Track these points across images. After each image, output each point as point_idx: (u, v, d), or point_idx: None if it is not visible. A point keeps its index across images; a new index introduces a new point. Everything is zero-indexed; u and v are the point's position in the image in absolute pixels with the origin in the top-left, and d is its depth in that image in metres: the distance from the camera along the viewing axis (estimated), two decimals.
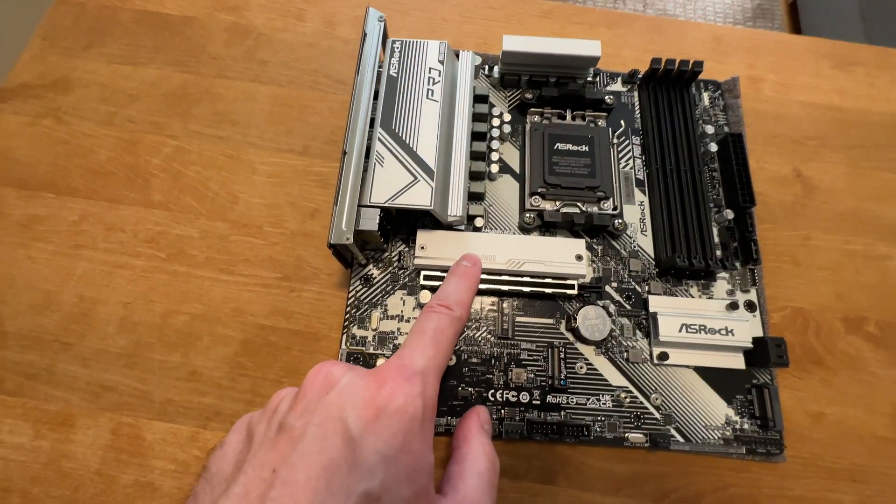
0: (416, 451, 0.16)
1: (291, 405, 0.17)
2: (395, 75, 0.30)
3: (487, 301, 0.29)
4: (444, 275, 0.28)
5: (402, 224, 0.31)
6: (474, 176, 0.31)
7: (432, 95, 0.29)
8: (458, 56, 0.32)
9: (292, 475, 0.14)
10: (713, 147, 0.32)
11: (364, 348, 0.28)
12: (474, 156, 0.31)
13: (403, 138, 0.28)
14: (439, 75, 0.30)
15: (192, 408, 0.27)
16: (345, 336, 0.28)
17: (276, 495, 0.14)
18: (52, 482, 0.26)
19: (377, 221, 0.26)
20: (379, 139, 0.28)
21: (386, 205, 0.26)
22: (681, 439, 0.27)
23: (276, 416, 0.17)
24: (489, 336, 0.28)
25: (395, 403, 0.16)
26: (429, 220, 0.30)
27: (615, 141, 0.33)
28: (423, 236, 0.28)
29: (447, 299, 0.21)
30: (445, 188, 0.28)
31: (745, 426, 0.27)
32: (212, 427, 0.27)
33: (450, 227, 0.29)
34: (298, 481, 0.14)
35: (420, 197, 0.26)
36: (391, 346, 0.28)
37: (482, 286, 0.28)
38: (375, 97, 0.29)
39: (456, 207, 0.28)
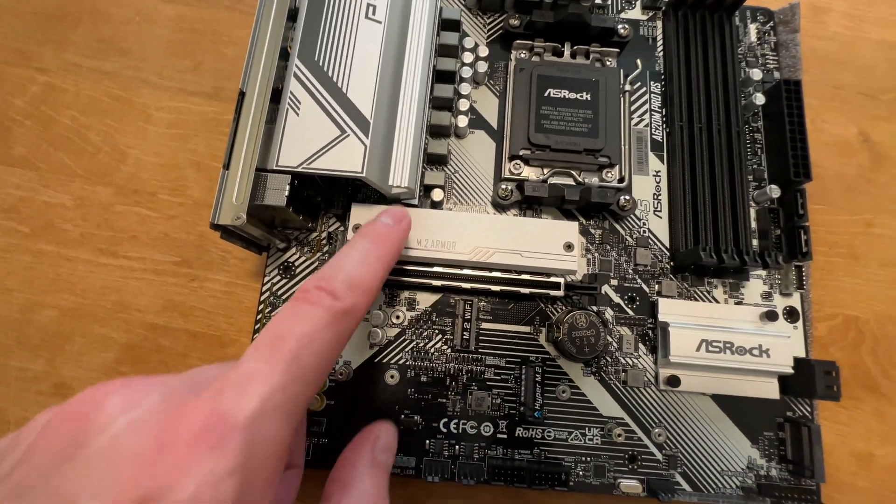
0: None
1: (10, 469, 0.10)
2: None
3: (444, 301, 0.22)
4: None
5: (336, 195, 0.23)
6: (435, 131, 0.23)
7: (373, 13, 0.21)
8: None
9: None
10: (759, 99, 0.24)
11: None
12: (436, 104, 0.23)
13: (330, 75, 0.20)
14: None
15: None
16: None
17: None
18: None
19: (286, 193, 0.19)
20: (295, 76, 0.20)
21: (300, 170, 0.19)
22: (688, 488, 0.21)
23: None
24: (444, 347, 0.22)
25: (174, 496, 0.09)
26: (370, 190, 0.22)
27: (628, 88, 0.25)
28: (358, 213, 0.21)
29: (332, 279, 0.14)
30: (388, 148, 0.20)
31: (773, 472, 0.21)
32: None
33: (396, 200, 0.21)
34: None
35: (349, 159, 0.19)
36: None
37: (437, 282, 0.21)
38: (293, 18, 0.21)
39: (401, 175, 0.20)
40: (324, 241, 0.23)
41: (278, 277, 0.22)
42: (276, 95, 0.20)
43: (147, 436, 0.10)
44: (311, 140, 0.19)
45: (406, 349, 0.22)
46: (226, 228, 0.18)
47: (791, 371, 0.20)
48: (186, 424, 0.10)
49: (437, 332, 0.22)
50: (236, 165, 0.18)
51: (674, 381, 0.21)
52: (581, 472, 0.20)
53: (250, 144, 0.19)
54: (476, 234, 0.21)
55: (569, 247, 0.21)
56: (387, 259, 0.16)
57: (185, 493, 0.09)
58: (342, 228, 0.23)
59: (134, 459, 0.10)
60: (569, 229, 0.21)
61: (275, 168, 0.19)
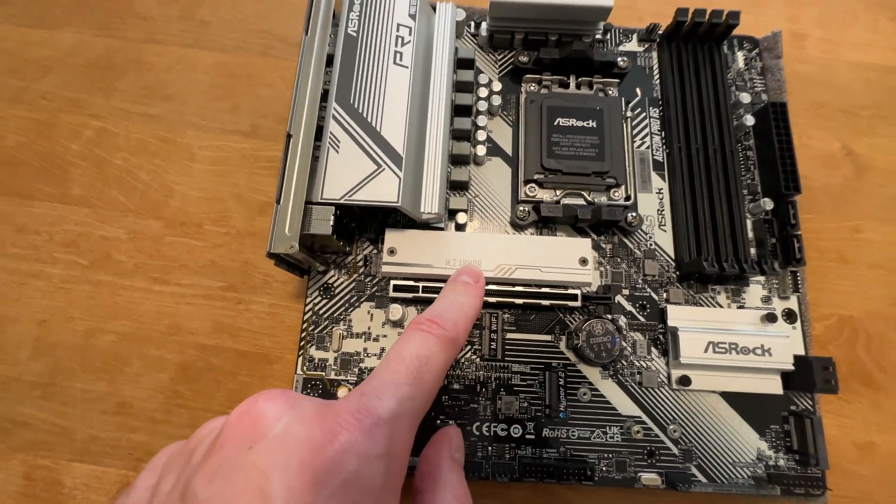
0: None
1: (204, 457, 0.13)
2: (354, 34, 0.24)
3: None
4: (417, 284, 0.23)
5: (369, 221, 0.25)
6: (456, 160, 0.26)
7: (401, 59, 0.23)
8: (434, 9, 0.26)
9: None
10: (749, 120, 0.26)
11: (324, 373, 0.23)
12: (456, 135, 0.26)
13: (364, 116, 0.22)
14: (410, 34, 0.24)
15: (119, 446, 0.23)
16: (301, 359, 0.24)
17: None
18: None
19: (331, 223, 0.21)
20: (334, 117, 0.22)
21: (342, 202, 0.21)
22: (703, 479, 0.22)
23: (186, 467, 0.13)
24: (474, 357, 0.24)
25: (344, 469, 0.12)
26: (400, 216, 0.25)
27: (629, 114, 0.27)
28: (392, 237, 0.23)
29: (440, 316, 0.17)
30: (418, 178, 0.23)
31: (781, 462, 0.23)
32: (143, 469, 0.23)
33: (425, 225, 0.24)
34: None
35: (385, 191, 0.21)
36: (355, 370, 0.23)
37: None
38: (330, 64, 0.23)
39: (431, 203, 0.22)
40: (359, 264, 0.25)
41: (319, 298, 0.24)
42: (319, 133, 0.22)
43: (312, 426, 0.12)
44: (350, 175, 0.21)
45: None
46: (279, 256, 0.21)
47: (792, 368, 0.22)
48: (341, 416, 0.13)
49: (466, 343, 0.24)
50: (286, 200, 0.21)
51: (685, 381, 0.23)
52: (604, 468, 0.22)
53: (299, 181, 0.21)
54: (499, 253, 0.23)
55: (583, 261, 0.23)
56: (475, 307, 0.19)
57: (347, 470, 0.12)
58: (375, 251, 0.25)
59: (306, 444, 0.12)
60: (582, 245, 0.23)
61: (320, 201, 0.21)
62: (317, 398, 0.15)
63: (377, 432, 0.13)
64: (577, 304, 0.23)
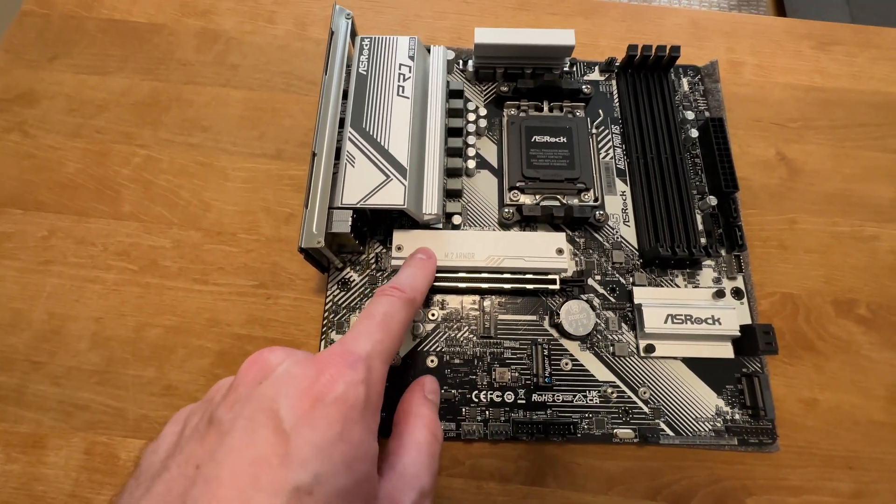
0: (355, 440, 0.15)
1: (224, 396, 0.16)
2: (364, 73, 0.29)
3: (468, 300, 0.28)
4: None
5: (379, 225, 0.30)
6: (451, 173, 0.31)
7: (403, 92, 0.28)
8: (429, 51, 0.32)
9: (216, 471, 0.13)
10: (694, 133, 0.32)
11: None
12: (450, 152, 0.31)
13: (375, 137, 0.27)
14: (410, 71, 0.29)
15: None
16: (323, 342, 0.28)
17: (198, 493, 0.13)
18: None
19: (349, 223, 0.25)
20: (349, 139, 0.27)
21: (358, 206, 0.26)
22: (671, 433, 0.26)
23: (209, 406, 0.16)
24: (471, 336, 0.28)
25: (334, 392, 0.15)
26: (405, 219, 0.29)
27: (594, 131, 0.32)
28: (399, 236, 0.28)
29: (400, 283, 0.21)
30: (420, 186, 0.27)
31: (737, 416, 0.26)
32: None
33: (426, 225, 0.28)
34: (222, 478, 0.13)
35: (393, 196, 0.26)
36: None
37: (462, 284, 0.27)
38: (345, 97, 0.29)
39: (431, 206, 0.27)
40: (371, 261, 0.29)
41: (338, 290, 0.29)
42: (338, 153, 0.27)
43: (307, 365, 0.16)
44: (364, 184, 0.26)
45: (441, 339, 0.28)
46: (307, 251, 0.25)
47: (738, 334, 0.27)
48: (329, 357, 0.16)
49: (464, 324, 0.28)
50: (313, 205, 0.25)
51: (650, 349, 0.27)
52: (586, 426, 0.26)
53: (323, 190, 0.26)
54: (489, 247, 0.28)
55: (559, 251, 0.28)
56: (428, 278, 0.23)
57: (336, 392, 0.15)
58: (384, 250, 0.29)
59: (304, 377, 0.16)
60: (558, 238, 0.28)
61: (339, 205, 0.26)
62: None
63: (357, 365, 0.16)
64: (557, 287, 0.27)
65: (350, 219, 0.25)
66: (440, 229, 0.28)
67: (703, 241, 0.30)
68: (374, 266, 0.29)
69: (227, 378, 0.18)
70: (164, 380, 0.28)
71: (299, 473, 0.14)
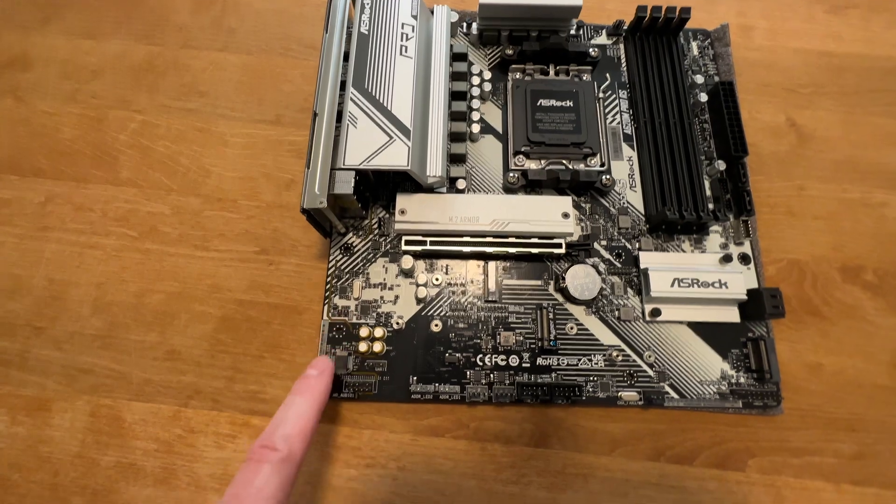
0: None
1: None
2: (366, 33, 0.28)
3: (473, 264, 0.28)
4: (425, 239, 0.27)
5: (382, 190, 0.29)
6: (455, 137, 0.30)
7: (406, 52, 0.28)
8: (432, 12, 0.31)
9: None
10: (703, 97, 0.31)
11: (346, 318, 0.27)
12: (454, 116, 0.30)
13: (377, 97, 0.26)
14: (413, 31, 0.28)
15: (171, 387, 0.27)
16: (326, 307, 0.27)
17: None
18: (31, 468, 0.25)
19: (352, 184, 0.25)
20: (351, 99, 0.26)
21: (361, 167, 0.25)
22: (675, 396, 0.26)
23: None
24: (475, 300, 0.27)
25: None
26: (409, 184, 0.29)
27: (601, 95, 0.32)
28: (402, 200, 0.27)
29: (271, 436, 0.19)
30: (423, 148, 0.27)
31: (742, 380, 0.26)
32: (193, 405, 0.26)
33: (430, 189, 0.28)
34: None
35: (397, 157, 0.25)
36: (374, 314, 0.27)
37: (466, 248, 0.27)
38: (346, 58, 0.28)
39: (435, 167, 0.27)
40: (374, 226, 0.29)
41: (340, 256, 0.28)
42: (339, 116, 0.26)
43: None
44: (367, 145, 0.25)
45: (445, 303, 0.27)
46: (309, 213, 0.25)
47: (745, 297, 0.26)
48: None
49: (468, 289, 0.28)
50: (315, 166, 0.25)
51: (656, 313, 0.27)
52: (590, 389, 0.26)
53: (325, 150, 0.25)
54: (493, 210, 0.27)
55: (565, 215, 0.27)
56: (315, 406, 0.21)
57: None
58: (387, 215, 0.29)
59: None
60: (564, 202, 0.27)
61: (342, 166, 0.25)
62: None
63: None
64: (562, 251, 0.27)
65: (353, 180, 0.25)
66: (444, 193, 0.28)
67: (710, 206, 0.29)
68: (376, 231, 0.29)
69: None
70: (166, 345, 0.27)
71: None
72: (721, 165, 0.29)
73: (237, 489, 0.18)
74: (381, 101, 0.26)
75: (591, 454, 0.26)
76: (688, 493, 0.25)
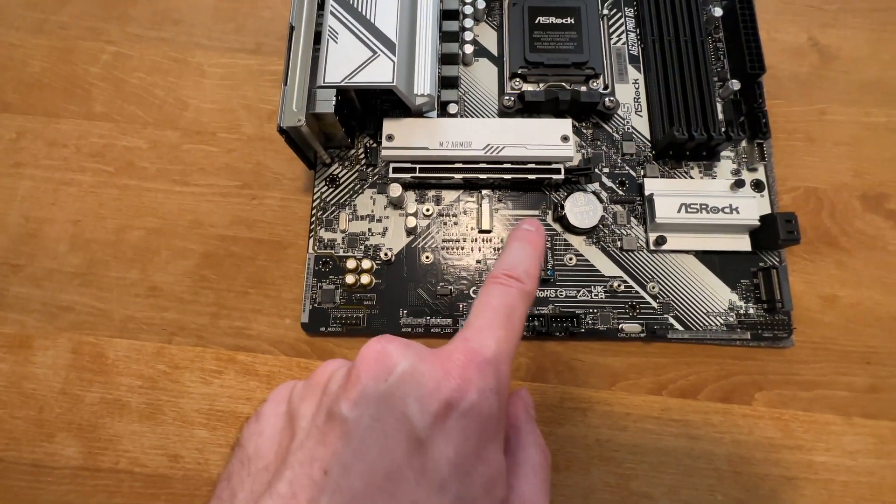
0: (492, 460, 0.13)
1: (342, 387, 0.14)
2: None
3: (465, 194, 0.26)
4: (414, 166, 0.25)
5: (368, 117, 0.28)
6: (446, 59, 0.28)
7: None
8: None
9: (348, 481, 0.12)
10: (717, 12, 0.28)
11: (333, 251, 0.26)
12: (445, 37, 0.28)
13: (359, 10, 0.24)
14: None
15: (154, 323, 0.26)
16: (312, 240, 0.26)
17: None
18: (15, 404, 0.25)
19: (333, 103, 0.23)
20: (332, 13, 0.24)
21: (343, 84, 0.23)
22: (680, 328, 0.25)
23: (325, 397, 0.14)
24: (468, 231, 0.26)
25: (467, 400, 0.13)
26: (397, 111, 0.27)
27: (605, 13, 0.29)
28: (389, 125, 0.25)
29: (514, 269, 0.18)
30: (411, 65, 0.25)
31: (751, 311, 0.25)
32: (177, 342, 0.25)
33: (419, 113, 0.26)
34: (356, 489, 0.12)
35: (381, 73, 0.23)
36: (362, 247, 0.26)
37: (458, 175, 0.25)
38: None
39: (423, 85, 0.25)
40: (361, 156, 0.27)
41: (326, 187, 0.27)
42: (318, 37, 0.24)
43: (433, 364, 0.14)
44: (349, 61, 0.23)
45: (436, 235, 0.26)
46: (289, 134, 0.23)
47: (758, 223, 0.25)
48: (455, 357, 0.14)
49: (461, 219, 0.26)
50: (292, 82, 0.23)
51: (661, 241, 0.25)
52: (590, 321, 0.25)
53: (303, 64, 0.23)
54: (487, 134, 0.25)
55: (565, 138, 0.25)
56: (540, 257, 0.20)
57: (470, 400, 0.13)
58: (374, 144, 0.27)
59: (430, 378, 0.13)
60: (564, 124, 0.25)
61: (322, 84, 0.23)
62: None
63: (487, 370, 0.14)
64: (561, 177, 0.25)
65: (334, 98, 0.23)
66: (433, 117, 0.26)
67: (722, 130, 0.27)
68: (363, 161, 0.27)
69: (334, 361, 0.16)
70: (148, 281, 0.26)
71: (439, 496, 0.12)
72: (735, 85, 0.27)
73: (492, 302, 0.16)
74: (364, 13, 0.24)
75: (590, 388, 0.25)
76: (691, 427, 0.24)
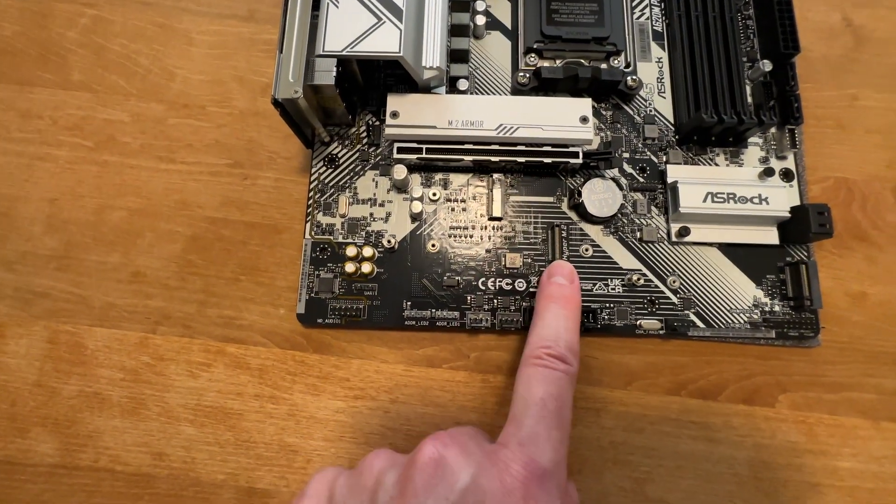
0: None
1: (398, 494, 0.13)
2: None
3: (475, 177, 0.25)
4: (421, 146, 0.23)
5: (372, 92, 0.25)
6: (456, 31, 0.26)
7: None
8: None
9: None
10: None
11: (332, 237, 0.24)
12: (455, 7, 0.26)
13: None
14: None
15: (137, 311, 0.24)
16: (308, 225, 0.24)
17: None
18: None
19: (334, 74, 0.21)
20: None
21: (344, 53, 0.21)
22: (701, 325, 0.23)
23: (374, 497, 0.13)
24: (478, 217, 0.24)
25: None
26: (403, 86, 0.25)
27: None
28: (394, 101, 0.23)
29: (556, 344, 0.17)
30: (419, 34, 0.23)
31: (776, 308, 0.23)
32: (162, 332, 0.24)
33: (427, 88, 0.24)
34: None
35: (386, 42, 0.21)
36: (363, 233, 0.24)
37: (468, 157, 0.23)
38: None
39: (432, 58, 0.22)
40: (363, 135, 0.25)
41: (324, 168, 0.25)
42: (317, 4, 0.22)
43: (492, 478, 0.13)
44: (351, 28, 0.21)
45: (443, 221, 0.24)
46: (284, 107, 0.21)
47: (788, 215, 0.23)
48: (516, 473, 0.13)
49: (470, 205, 0.24)
50: (289, 49, 0.21)
51: (684, 232, 0.24)
52: (606, 316, 0.23)
53: (300, 30, 0.21)
54: (500, 113, 0.23)
55: (584, 119, 0.23)
56: (577, 317, 0.19)
57: None
58: (377, 121, 0.25)
59: (494, 495, 0.13)
60: (583, 104, 0.23)
61: (322, 53, 0.21)
62: (476, 440, 0.15)
63: (549, 484, 0.13)
64: (579, 161, 0.23)
65: (334, 69, 0.21)
66: (442, 93, 0.24)
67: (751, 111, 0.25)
68: (365, 140, 0.25)
69: (382, 455, 0.15)
70: (131, 266, 0.24)
71: None
72: (766, 66, 0.25)
73: (539, 392, 0.15)
74: None
75: (604, 388, 0.23)
76: (710, 429, 0.23)
